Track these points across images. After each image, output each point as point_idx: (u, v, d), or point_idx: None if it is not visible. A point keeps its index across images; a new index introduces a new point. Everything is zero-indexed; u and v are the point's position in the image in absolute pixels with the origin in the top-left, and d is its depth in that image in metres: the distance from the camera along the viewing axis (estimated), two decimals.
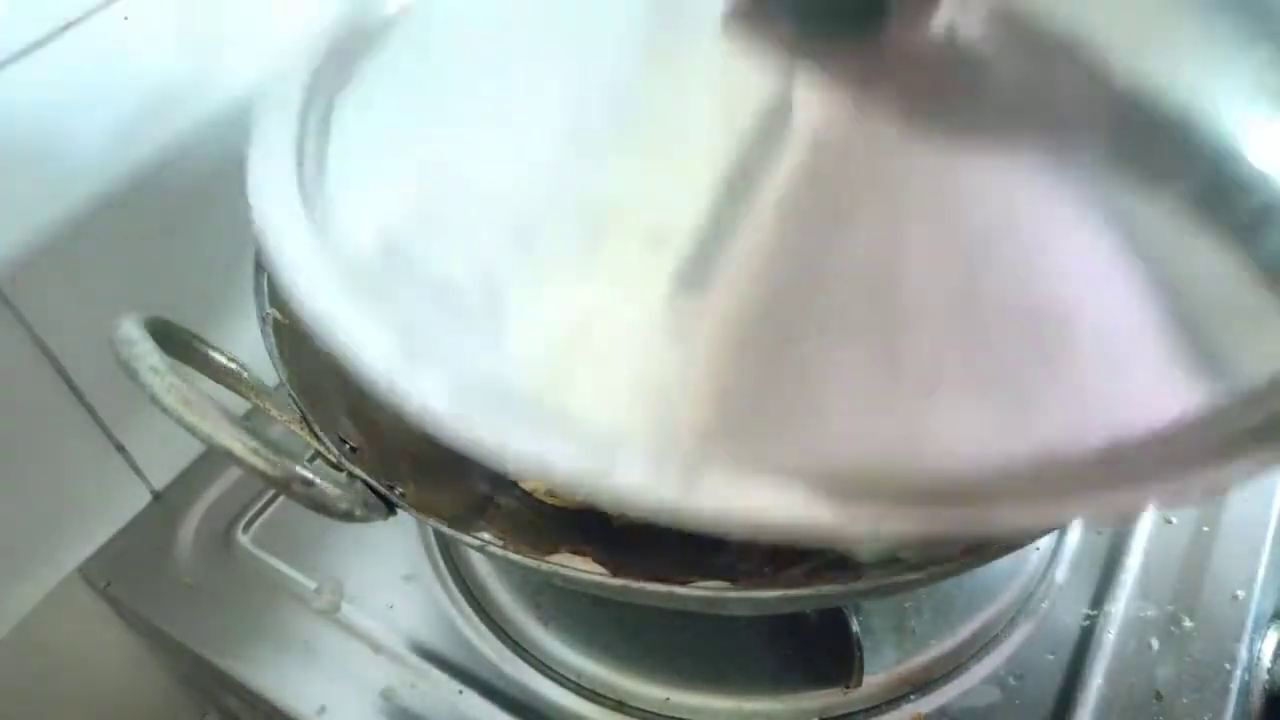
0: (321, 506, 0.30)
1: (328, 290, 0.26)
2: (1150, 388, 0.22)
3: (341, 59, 0.32)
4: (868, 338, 0.22)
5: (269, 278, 0.32)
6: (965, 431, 0.21)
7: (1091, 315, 0.23)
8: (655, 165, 0.26)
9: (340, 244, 0.27)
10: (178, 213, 0.45)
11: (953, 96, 0.26)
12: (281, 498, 0.48)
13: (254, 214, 0.28)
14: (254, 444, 0.28)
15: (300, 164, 0.29)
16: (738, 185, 0.25)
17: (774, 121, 0.26)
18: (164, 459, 0.49)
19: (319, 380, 0.35)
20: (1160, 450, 0.21)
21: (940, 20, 0.26)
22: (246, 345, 0.37)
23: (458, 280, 0.25)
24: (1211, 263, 0.24)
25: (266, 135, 0.30)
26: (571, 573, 0.30)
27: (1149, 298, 0.23)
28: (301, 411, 0.33)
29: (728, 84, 0.27)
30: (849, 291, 0.23)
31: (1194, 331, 0.23)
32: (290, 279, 0.26)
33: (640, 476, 0.21)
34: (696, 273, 0.24)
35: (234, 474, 0.50)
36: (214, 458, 0.49)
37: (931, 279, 0.23)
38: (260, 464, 0.28)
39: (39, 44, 0.38)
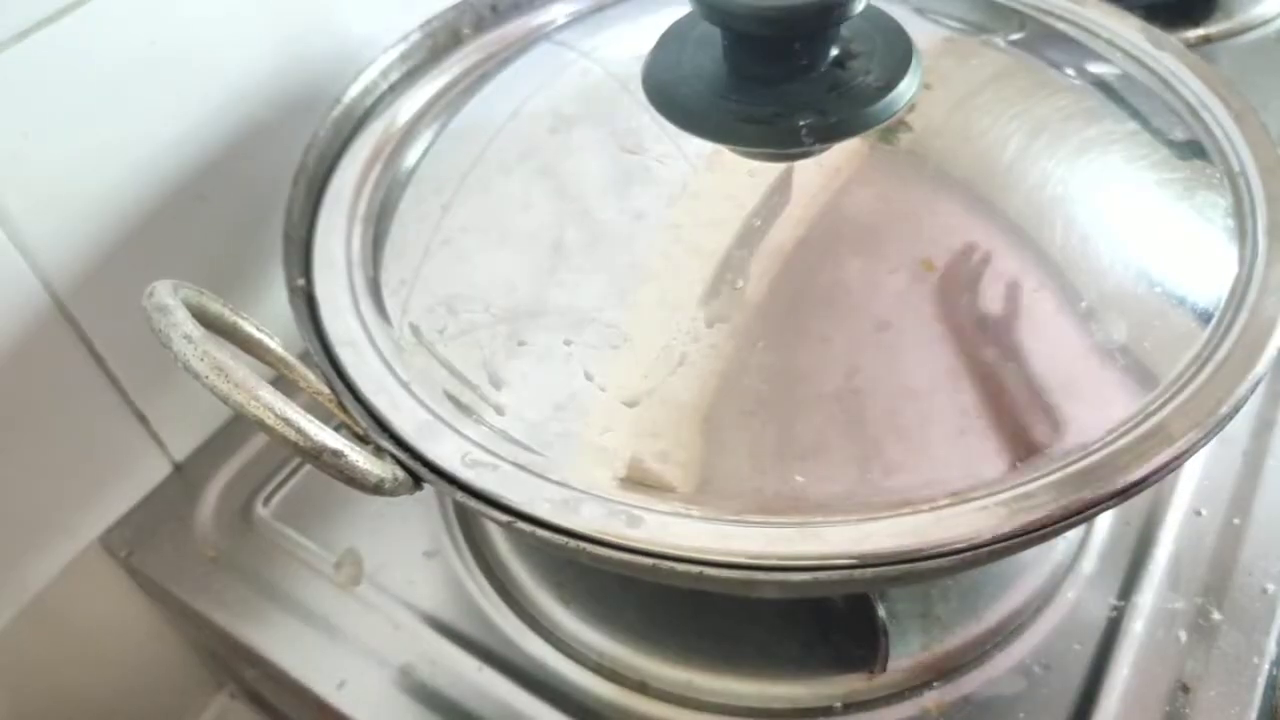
0: (351, 479, 0.29)
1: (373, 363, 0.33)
2: (990, 453, 0.29)
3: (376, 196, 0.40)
4: (774, 418, 0.30)
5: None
6: (830, 488, 0.28)
7: (942, 398, 0.29)
8: (618, 278, 0.33)
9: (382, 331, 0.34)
10: (205, 182, 0.45)
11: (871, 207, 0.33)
12: (302, 471, 0.48)
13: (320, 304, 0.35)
14: (286, 414, 0.28)
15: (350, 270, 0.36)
16: (685, 302, 0.31)
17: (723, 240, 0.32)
18: (185, 430, 0.49)
19: None
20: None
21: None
22: (272, 314, 0.37)
23: (464, 370, 0.32)
24: (1054, 344, 0.30)
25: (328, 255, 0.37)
26: (598, 550, 0.30)
27: (995, 378, 0.30)
28: (329, 382, 0.33)
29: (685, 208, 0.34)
30: (764, 381, 0.30)
31: (1029, 406, 0.30)
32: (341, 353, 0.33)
33: (597, 520, 0.28)
34: (652, 367, 0.30)
35: (255, 446, 0.50)
36: (235, 429, 0.50)
37: (824, 369, 0.30)
38: (292, 434, 0.28)
39: (68, 9, 0.38)
